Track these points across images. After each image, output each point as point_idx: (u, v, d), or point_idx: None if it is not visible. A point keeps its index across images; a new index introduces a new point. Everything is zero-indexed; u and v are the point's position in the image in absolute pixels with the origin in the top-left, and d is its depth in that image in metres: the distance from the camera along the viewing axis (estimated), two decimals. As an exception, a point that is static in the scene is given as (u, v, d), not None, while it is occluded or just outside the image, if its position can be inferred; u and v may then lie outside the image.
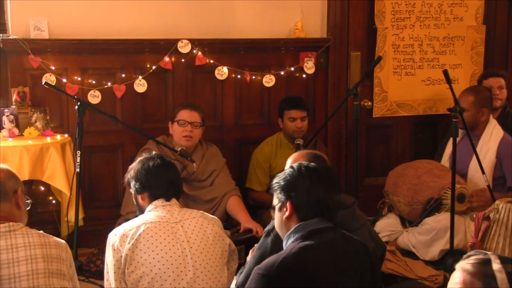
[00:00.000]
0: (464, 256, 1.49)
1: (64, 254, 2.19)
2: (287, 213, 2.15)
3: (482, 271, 1.40)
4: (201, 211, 2.69)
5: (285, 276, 1.97)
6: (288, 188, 2.16)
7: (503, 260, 1.41)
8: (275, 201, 2.21)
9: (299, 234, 2.11)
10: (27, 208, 2.29)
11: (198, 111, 3.87)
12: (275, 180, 2.22)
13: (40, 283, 2.08)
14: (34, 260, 2.09)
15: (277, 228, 2.24)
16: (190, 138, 3.80)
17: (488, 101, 4.16)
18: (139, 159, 2.71)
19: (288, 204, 2.14)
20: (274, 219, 2.26)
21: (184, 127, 3.80)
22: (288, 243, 2.13)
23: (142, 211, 2.62)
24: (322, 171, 2.22)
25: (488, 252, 1.46)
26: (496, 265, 1.40)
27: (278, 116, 4.27)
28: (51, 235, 2.22)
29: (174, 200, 2.61)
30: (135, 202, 2.69)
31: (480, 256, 1.44)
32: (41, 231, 2.20)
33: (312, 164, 2.22)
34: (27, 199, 2.29)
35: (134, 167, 2.66)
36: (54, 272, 2.13)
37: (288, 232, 2.15)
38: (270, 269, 1.97)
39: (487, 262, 1.41)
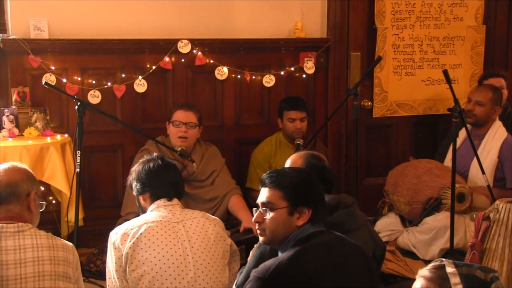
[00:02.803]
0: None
1: (71, 257, 2.21)
2: (301, 220, 2.15)
3: (438, 275, 1.53)
4: (203, 212, 2.69)
5: (281, 279, 1.99)
6: (315, 198, 2.19)
7: (457, 264, 1.54)
8: (283, 203, 2.17)
9: (298, 238, 2.12)
10: (41, 210, 2.29)
11: (194, 111, 3.82)
12: (300, 183, 2.20)
13: (46, 285, 2.09)
14: (41, 262, 2.10)
15: (274, 229, 2.19)
16: (185, 138, 3.75)
17: (501, 101, 4.24)
18: (140, 160, 2.72)
19: (307, 212, 2.16)
20: (268, 218, 2.20)
21: (179, 128, 3.76)
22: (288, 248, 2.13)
23: (144, 212, 2.63)
24: None
25: (444, 259, 1.58)
26: (450, 269, 1.53)
27: (277, 116, 4.27)
28: (59, 238, 2.23)
29: (176, 200, 2.61)
30: (137, 204, 2.69)
31: (437, 263, 1.57)
32: (49, 233, 2.21)
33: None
34: (42, 201, 2.29)
35: (135, 169, 2.68)
36: (60, 274, 2.14)
37: (287, 240, 2.15)
38: (266, 272, 2.00)
39: (441, 267, 1.54)
